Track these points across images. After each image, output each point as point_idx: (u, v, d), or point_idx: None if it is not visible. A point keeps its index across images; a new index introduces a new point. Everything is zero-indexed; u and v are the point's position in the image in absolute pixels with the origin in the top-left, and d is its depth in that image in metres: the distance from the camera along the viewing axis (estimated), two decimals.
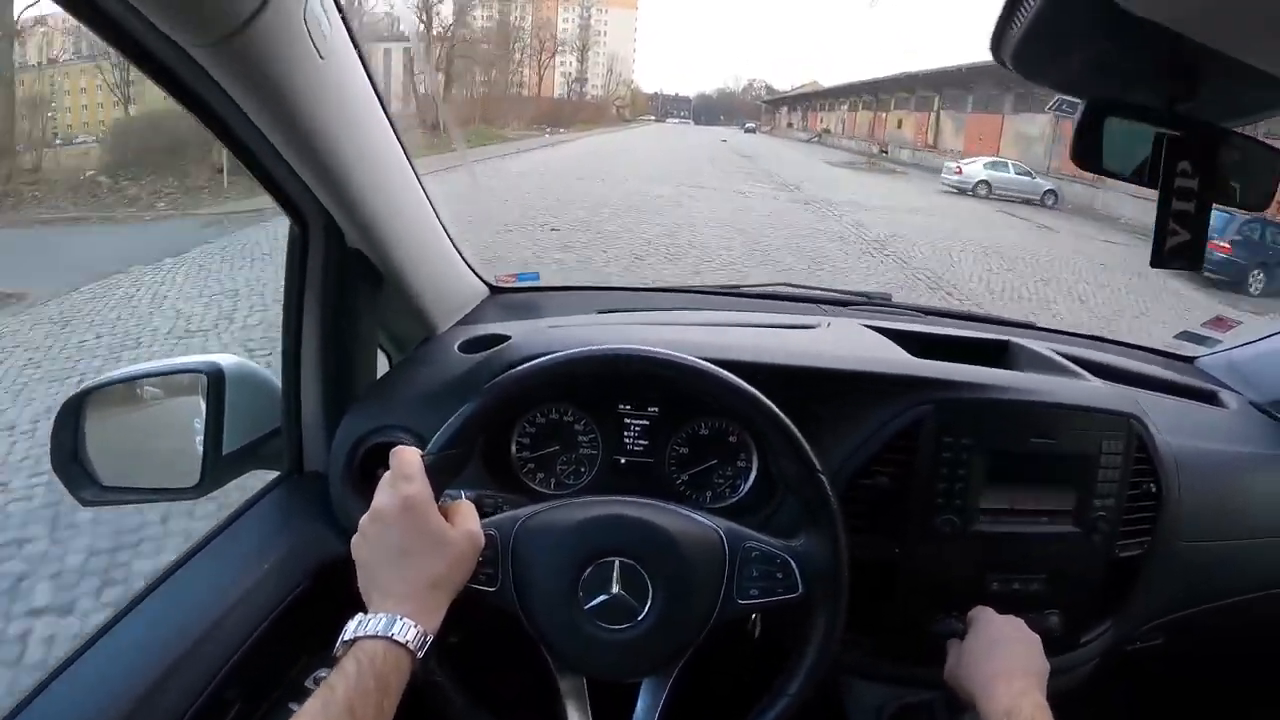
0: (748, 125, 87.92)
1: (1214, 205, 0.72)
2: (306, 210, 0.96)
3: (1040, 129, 24.45)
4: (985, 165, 20.67)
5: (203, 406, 1.05)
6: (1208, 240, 0.72)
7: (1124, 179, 0.72)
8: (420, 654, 0.69)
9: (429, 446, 0.79)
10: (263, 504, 1.08)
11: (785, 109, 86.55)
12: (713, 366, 0.84)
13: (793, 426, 0.83)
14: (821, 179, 21.75)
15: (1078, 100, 0.74)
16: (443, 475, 0.78)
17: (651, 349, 0.84)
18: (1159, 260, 0.71)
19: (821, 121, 62.34)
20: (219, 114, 0.78)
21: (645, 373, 0.85)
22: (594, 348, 0.85)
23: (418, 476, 0.75)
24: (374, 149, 0.94)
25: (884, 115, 44.54)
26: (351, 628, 0.69)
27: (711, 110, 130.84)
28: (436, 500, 0.75)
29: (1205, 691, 1.49)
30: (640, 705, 0.83)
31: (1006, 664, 0.88)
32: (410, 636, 0.68)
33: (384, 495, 0.74)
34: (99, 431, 1.05)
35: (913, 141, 37.65)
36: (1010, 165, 20.74)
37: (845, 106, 54.31)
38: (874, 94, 46.32)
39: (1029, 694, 0.83)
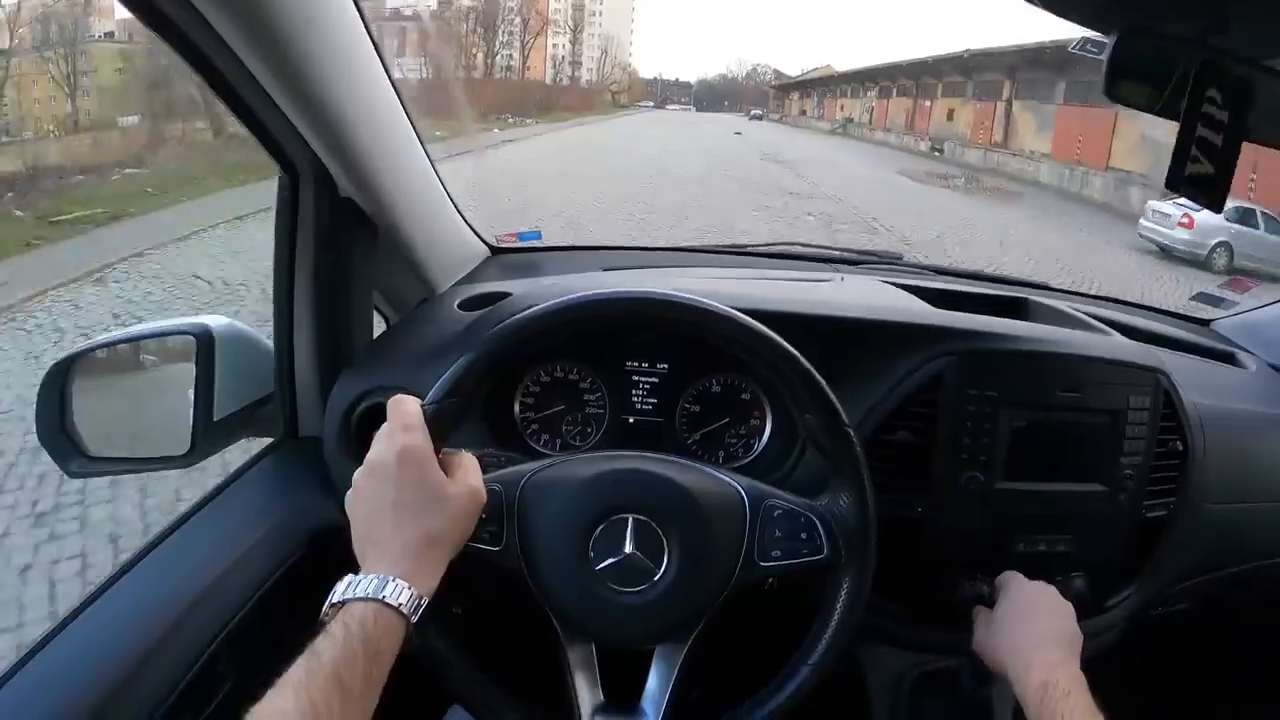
0: (753, 112, 79.31)
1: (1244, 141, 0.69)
2: (296, 156, 0.93)
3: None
4: (1231, 215, 11.64)
5: (194, 371, 1.01)
6: (1231, 179, 0.69)
7: (1153, 111, 0.69)
8: (414, 618, 0.64)
9: (429, 396, 0.74)
10: (255, 470, 1.05)
11: (797, 95, 75.31)
12: (734, 311, 0.79)
13: (819, 376, 0.78)
14: (936, 218, 12.59)
15: (1104, 40, 0.71)
16: (443, 426, 0.73)
17: (665, 292, 0.79)
18: (1174, 183, 0.68)
19: (843, 109, 52.34)
20: (204, 51, 0.75)
21: (659, 317, 0.80)
22: (601, 291, 0.80)
23: (417, 426, 0.71)
24: (366, 90, 0.90)
25: (928, 104, 34.67)
26: (340, 589, 0.64)
27: (714, 96, 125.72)
28: (436, 454, 0.71)
29: (1230, 657, 1.47)
30: (653, 675, 0.79)
31: (1040, 633, 0.85)
32: (404, 599, 0.63)
33: (380, 446, 0.70)
34: (86, 399, 1.01)
35: (971, 137, 28.30)
36: (1260, 215, 11.92)
37: (873, 93, 44.55)
38: (913, 78, 36.62)
39: (1065, 665, 0.80)
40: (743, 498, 0.78)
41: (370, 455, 0.70)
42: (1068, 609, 0.89)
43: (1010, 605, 0.90)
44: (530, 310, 0.78)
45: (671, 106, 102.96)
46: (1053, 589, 0.91)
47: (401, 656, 0.65)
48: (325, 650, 0.59)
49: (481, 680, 0.76)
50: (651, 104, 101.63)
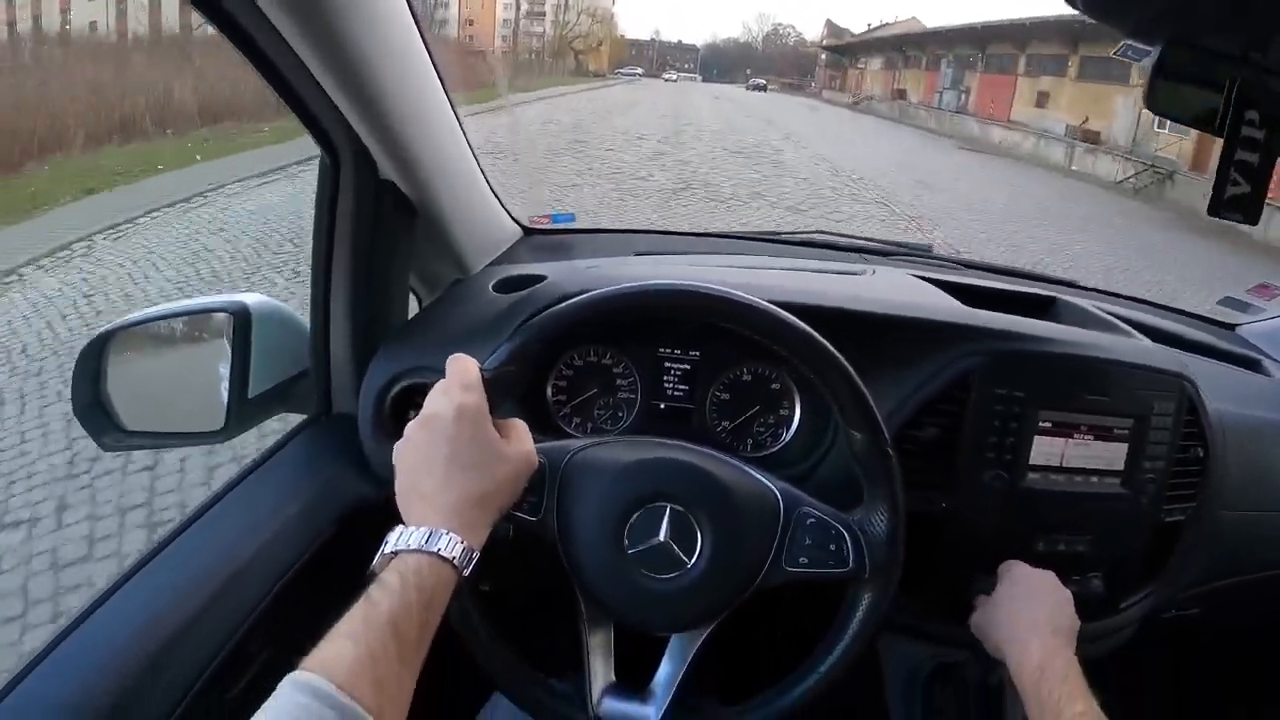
0: (754, 81, 64.62)
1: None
2: (338, 139, 0.93)
3: None
4: None
5: (228, 348, 1.02)
6: (1266, 193, 0.70)
7: (1193, 126, 0.70)
8: (466, 571, 0.65)
9: (488, 361, 0.74)
10: (290, 447, 1.06)
11: (879, 62, 45.97)
12: (797, 321, 0.79)
13: (868, 395, 0.79)
14: None
15: (1145, 47, 0.72)
16: (498, 393, 0.73)
17: (728, 290, 0.79)
18: (1215, 209, 0.69)
19: (1045, 99, 25.36)
20: (252, 36, 0.75)
21: (724, 312, 0.80)
22: (667, 281, 0.81)
23: (475, 386, 0.70)
24: (411, 75, 0.90)
25: None
26: (393, 539, 0.64)
27: (726, 62, 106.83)
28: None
29: (1241, 660, 1.49)
30: (666, 661, 0.82)
31: (1038, 619, 0.87)
32: (457, 553, 0.63)
33: (439, 401, 0.70)
34: (122, 375, 1.02)
35: None
36: None
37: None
38: None
39: (1061, 651, 0.82)
40: (779, 500, 0.80)
41: (426, 408, 0.70)
42: (1066, 596, 0.91)
43: (1009, 590, 0.92)
44: (598, 293, 0.79)
45: (669, 75, 76.91)
46: (1052, 575, 0.92)
47: (446, 641, 0.65)
48: (382, 599, 0.59)
49: (506, 652, 0.79)
50: (640, 71, 78.15)
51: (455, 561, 0.64)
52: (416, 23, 0.89)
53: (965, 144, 24.14)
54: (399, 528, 0.65)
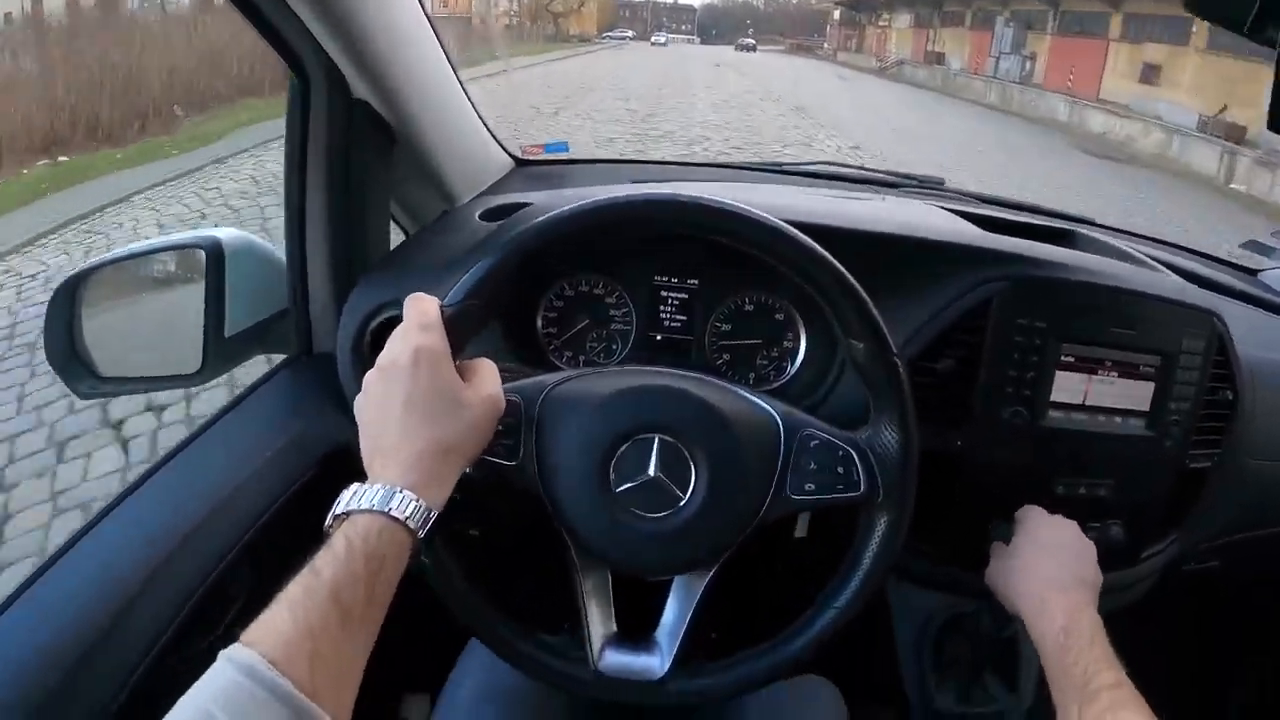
0: (743, 42, 60.86)
1: None
2: (306, 57, 0.87)
3: None
4: None
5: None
6: None
7: (1243, 33, 0.63)
8: (422, 532, 0.60)
9: (448, 297, 0.68)
10: (268, 387, 1.02)
11: (907, 19, 39.72)
12: (778, 220, 0.72)
13: (868, 300, 0.72)
14: None
15: None
16: (462, 330, 0.67)
17: (702, 196, 0.72)
18: (1275, 124, 0.63)
19: (1155, 75, 18.17)
20: None
21: (695, 223, 0.73)
22: (632, 193, 0.74)
23: (435, 326, 0.65)
24: None
25: None
26: (344, 499, 0.59)
27: (726, 22, 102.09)
28: (454, 359, 0.66)
29: (1260, 615, 1.45)
30: (670, 607, 0.76)
31: (1059, 573, 0.81)
32: (410, 511, 0.58)
33: (395, 346, 0.65)
34: (95, 319, 0.98)
35: None
36: None
37: None
38: None
39: (1085, 610, 0.76)
40: (778, 425, 0.73)
41: (382, 356, 0.65)
42: (1089, 548, 0.85)
43: (1027, 540, 0.85)
44: (558, 211, 0.72)
45: (658, 37, 72.30)
46: (1074, 525, 0.87)
47: (419, 583, 0.61)
48: (325, 567, 0.54)
49: (491, 607, 0.73)
50: (631, 34, 74.50)
51: (409, 523, 0.59)
52: None
53: (1084, 143, 16.27)
54: (353, 485, 0.60)
